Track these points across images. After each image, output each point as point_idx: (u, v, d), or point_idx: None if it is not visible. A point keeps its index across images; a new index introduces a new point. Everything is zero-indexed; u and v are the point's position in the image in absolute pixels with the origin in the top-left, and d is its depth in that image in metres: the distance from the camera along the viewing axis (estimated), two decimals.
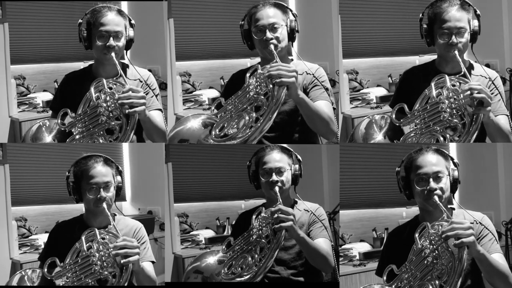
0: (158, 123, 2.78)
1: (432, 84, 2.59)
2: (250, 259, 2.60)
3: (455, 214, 2.55)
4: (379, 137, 2.84)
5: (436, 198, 2.46)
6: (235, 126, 2.63)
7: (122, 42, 2.75)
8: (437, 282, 2.35)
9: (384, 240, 4.16)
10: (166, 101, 4.16)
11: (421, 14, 2.70)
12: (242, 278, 2.59)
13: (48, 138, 2.82)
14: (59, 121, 2.69)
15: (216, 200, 4.68)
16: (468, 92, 2.50)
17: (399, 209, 4.25)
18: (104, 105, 2.64)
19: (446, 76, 2.58)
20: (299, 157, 2.79)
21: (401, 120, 2.62)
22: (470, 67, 2.70)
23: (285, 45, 2.73)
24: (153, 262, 2.67)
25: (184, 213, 4.59)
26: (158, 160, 4.32)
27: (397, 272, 2.44)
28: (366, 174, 4.26)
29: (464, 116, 2.53)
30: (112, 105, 2.63)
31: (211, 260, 2.70)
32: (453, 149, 4.07)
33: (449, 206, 2.53)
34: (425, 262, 2.38)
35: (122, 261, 2.46)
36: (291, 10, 2.77)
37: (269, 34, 2.70)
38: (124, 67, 2.82)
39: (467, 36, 2.63)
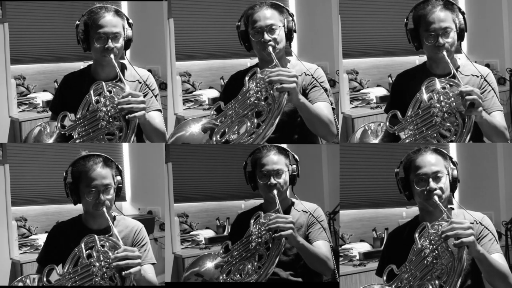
0: (158, 124, 2.77)
1: (423, 88, 2.58)
2: (249, 266, 2.60)
3: (455, 214, 2.55)
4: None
5: (436, 198, 2.46)
6: (236, 132, 2.63)
7: (120, 43, 2.73)
8: (437, 282, 2.36)
9: (384, 240, 4.16)
10: (166, 101, 4.16)
11: (405, 19, 2.69)
12: None
13: (49, 142, 2.82)
14: (58, 124, 2.68)
15: (216, 200, 4.68)
16: (459, 95, 2.49)
17: (399, 209, 4.24)
18: (104, 109, 2.62)
19: (436, 79, 2.58)
20: (296, 157, 2.79)
21: (395, 127, 2.62)
22: (461, 67, 2.69)
23: (283, 46, 2.72)
24: (153, 263, 2.65)
25: (184, 213, 4.59)
26: (158, 160, 4.32)
27: (397, 272, 2.44)
28: (366, 174, 4.26)
29: (457, 118, 2.52)
30: (112, 110, 2.61)
31: (210, 264, 2.69)
32: (453, 149, 4.07)
33: (449, 206, 2.53)
34: (425, 262, 2.38)
35: (123, 273, 2.40)
36: (287, 10, 2.75)
37: (267, 36, 2.69)
38: (123, 67, 2.81)
39: (453, 35, 2.62)
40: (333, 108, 2.77)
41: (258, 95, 2.61)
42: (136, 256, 2.43)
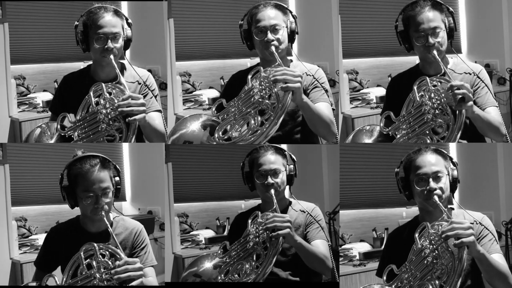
0: (158, 126, 2.76)
1: (415, 87, 2.60)
2: (247, 266, 2.60)
3: (455, 214, 2.55)
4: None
5: (436, 198, 2.46)
6: (239, 129, 2.62)
7: (120, 43, 2.73)
8: (437, 282, 2.35)
9: (384, 240, 4.16)
10: (166, 101, 4.16)
11: (395, 22, 2.71)
12: None
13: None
14: (58, 126, 2.67)
15: (216, 200, 4.68)
16: (449, 90, 2.49)
17: (399, 209, 4.24)
18: (104, 111, 2.61)
19: (427, 78, 2.59)
20: (293, 157, 2.79)
21: (389, 128, 2.63)
22: (453, 65, 2.70)
23: (285, 47, 2.74)
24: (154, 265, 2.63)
25: (184, 213, 4.59)
26: (158, 160, 4.32)
27: (397, 272, 2.44)
28: (366, 174, 4.26)
29: (448, 114, 2.53)
30: (112, 112, 2.60)
31: (208, 264, 2.69)
32: (453, 149, 4.07)
33: (449, 206, 2.53)
34: (425, 262, 2.38)
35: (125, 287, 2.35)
36: (291, 12, 2.77)
37: (270, 36, 2.69)
38: (123, 68, 2.81)
39: (442, 34, 2.63)
40: (332, 109, 2.78)
41: (262, 93, 2.61)
42: (138, 267, 2.36)
